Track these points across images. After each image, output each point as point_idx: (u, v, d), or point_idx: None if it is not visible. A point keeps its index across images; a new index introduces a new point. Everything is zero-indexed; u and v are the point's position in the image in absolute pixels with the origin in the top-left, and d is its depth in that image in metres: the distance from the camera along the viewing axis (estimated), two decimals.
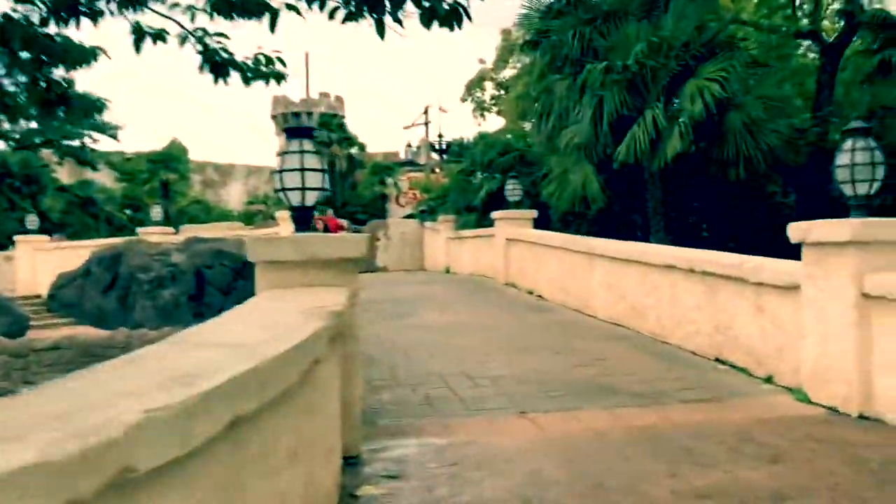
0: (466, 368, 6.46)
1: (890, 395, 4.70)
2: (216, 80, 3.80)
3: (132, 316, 17.71)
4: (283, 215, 14.35)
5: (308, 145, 4.38)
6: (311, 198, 4.39)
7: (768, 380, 5.87)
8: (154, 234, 19.13)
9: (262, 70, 3.78)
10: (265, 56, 3.86)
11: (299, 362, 2.55)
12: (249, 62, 3.83)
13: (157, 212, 20.90)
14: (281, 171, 4.36)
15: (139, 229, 20.60)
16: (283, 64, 3.87)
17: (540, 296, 11.86)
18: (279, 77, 3.90)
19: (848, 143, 5.22)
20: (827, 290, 5.13)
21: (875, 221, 4.93)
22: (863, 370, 4.86)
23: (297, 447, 2.69)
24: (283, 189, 4.39)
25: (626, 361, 6.79)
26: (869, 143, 5.14)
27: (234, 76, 3.80)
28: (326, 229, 13.78)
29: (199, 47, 3.65)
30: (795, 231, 5.36)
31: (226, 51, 3.72)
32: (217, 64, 3.65)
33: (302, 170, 4.33)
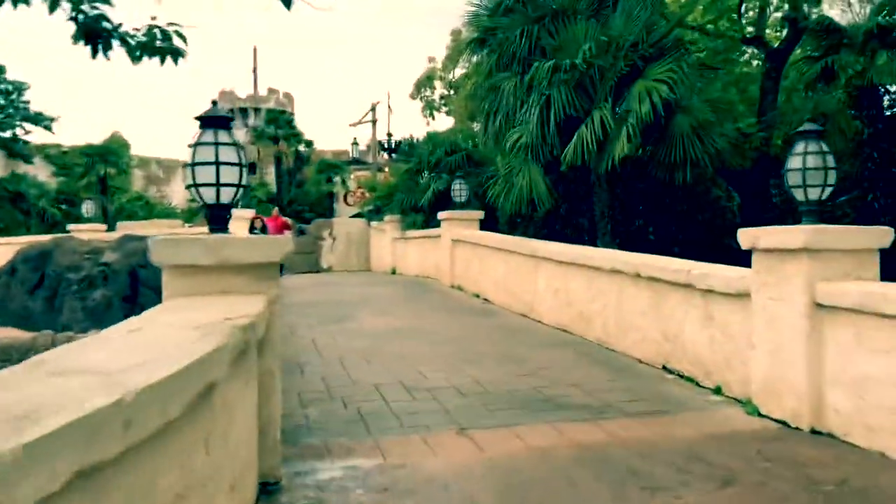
0: (404, 378, 6.09)
1: (841, 409, 4.51)
2: (94, 54, 3.29)
3: (60, 317, 16.79)
4: None
5: (224, 136, 3.95)
6: (226, 195, 3.96)
7: (717, 391, 5.67)
8: (85, 232, 18.16)
9: (155, 46, 3.31)
10: (160, 29, 3.39)
11: (183, 391, 2.14)
12: (140, 35, 3.35)
13: (88, 207, 19.86)
14: (192, 165, 3.91)
15: (69, 226, 19.56)
16: (183, 39, 3.41)
17: (486, 299, 11.57)
18: (176, 54, 3.43)
19: (800, 146, 5.03)
20: (778, 299, 4.93)
21: (828, 228, 4.75)
22: (814, 383, 4.67)
23: (185, 487, 2.28)
24: (196, 185, 3.95)
25: (572, 370, 6.52)
26: (821, 147, 4.96)
27: (121, 51, 3.33)
28: (264, 229, 13.21)
29: (73, 13, 3.16)
30: (745, 237, 5.15)
31: (105, 19, 3.23)
32: (95, 34, 3.16)
33: (217, 163, 3.89)
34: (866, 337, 4.36)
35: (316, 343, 7.66)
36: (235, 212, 14.51)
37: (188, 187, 4.04)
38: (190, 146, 3.95)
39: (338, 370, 6.43)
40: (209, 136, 3.91)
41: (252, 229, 12.57)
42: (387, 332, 8.39)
